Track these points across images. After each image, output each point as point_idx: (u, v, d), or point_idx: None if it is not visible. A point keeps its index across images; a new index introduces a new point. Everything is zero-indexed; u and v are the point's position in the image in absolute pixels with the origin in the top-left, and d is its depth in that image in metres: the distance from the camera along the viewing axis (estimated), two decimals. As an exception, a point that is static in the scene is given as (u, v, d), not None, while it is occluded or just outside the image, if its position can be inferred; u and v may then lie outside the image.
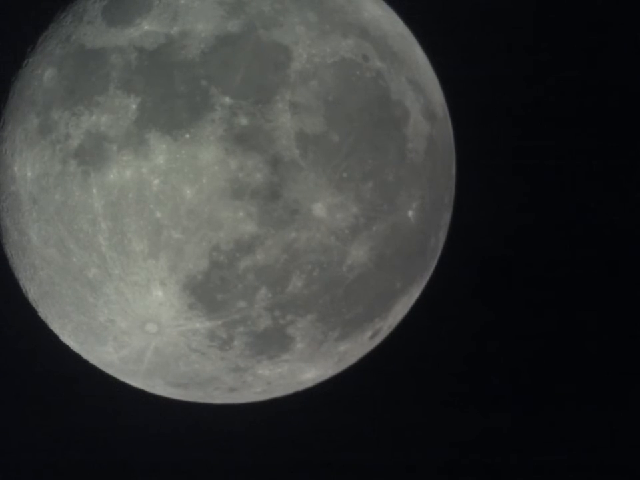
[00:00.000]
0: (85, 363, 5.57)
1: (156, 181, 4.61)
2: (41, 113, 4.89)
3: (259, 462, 7.58)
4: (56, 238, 4.87)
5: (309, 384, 5.64)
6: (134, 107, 4.65)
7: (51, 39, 5.05)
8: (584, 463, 7.74)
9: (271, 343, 5.00)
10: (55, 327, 5.42)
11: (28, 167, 4.91)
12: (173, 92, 4.63)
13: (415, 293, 5.54)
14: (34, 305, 5.42)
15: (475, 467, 7.79)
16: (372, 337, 5.43)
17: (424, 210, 5.11)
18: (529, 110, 7.35)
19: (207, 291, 4.76)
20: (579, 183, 7.50)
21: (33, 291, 5.30)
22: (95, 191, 4.69)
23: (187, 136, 4.59)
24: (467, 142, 5.77)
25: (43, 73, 4.97)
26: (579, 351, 7.70)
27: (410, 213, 5.02)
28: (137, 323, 4.94)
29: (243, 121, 4.61)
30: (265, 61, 4.68)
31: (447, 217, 5.51)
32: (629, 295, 7.61)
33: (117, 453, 7.52)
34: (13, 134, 5.03)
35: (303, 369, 5.29)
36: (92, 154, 4.69)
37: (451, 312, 7.44)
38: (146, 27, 4.76)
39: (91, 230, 4.74)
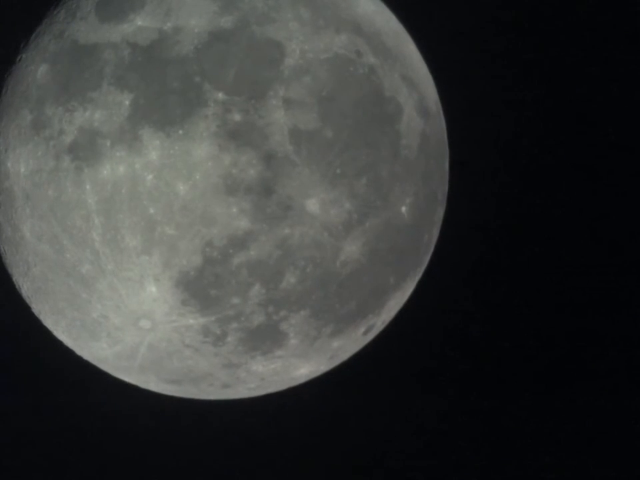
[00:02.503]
0: (79, 358, 5.57)
1: (149, 177, 4.61)
2: (35, 109, 4.88)
3: (252, 457, 7.59)
4: (49, 234, 4.86)
5: (303, 380, 5.65)
6: (127, 102, 4.64)
7: (45, 34, 5.04)
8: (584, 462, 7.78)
9: (265, 339, 5.00)
10: (49, 322, 5.42)
11: (21, 163, 4.90)
12: (166, 88, 4.62)
13: (408, 289, 5.54)
14: (27, 301, 5.41)
15: (471, 462, 7.81)
16: (365, 333, 5.44)
17: (417, 206, 5.11)
18: (522, 106, 7.36)
19: (201, 287, 4.76)
20: (573, 178, 7.52)
21: (26, 287, 5.30)
22: (88, 186, 4.68)
23: (180, 132, 4.59)
24: (460, 138, 5.78)
25: (37, 69, 4.96)
26: (574, 347, 7.72)
27: (403, 209, 5.03)
28: (130, 319, 4.94)
29: (237, 117, 4.61)
30: (259, 57, 4.68)
31: (440, 213, 5.52)
32: (624, 290, 7.63)
33: (110, 448, 7.53)
34: (6, 130, 5.03)
35: (296, 364, 5.29)
36: (85, 150, 4.68)
37: (444, 307, 7.45)
38: (139, 23, 4.76)
39: (85, 226, 4.74)
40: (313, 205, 4.70)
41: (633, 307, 7.63)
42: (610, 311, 7.66)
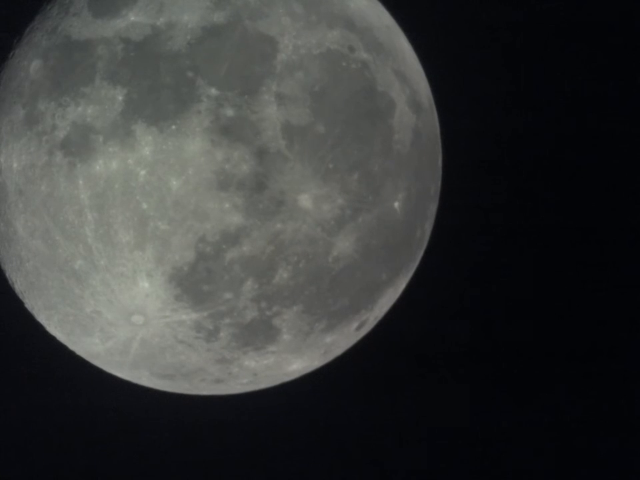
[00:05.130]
0: (71, 353, 5.57)
1: (142, 172, 4.61)
2: (27, 104, 4.88)
3: (245, 453, 7.59)
4: (42, 229, 4.86)
5: (295, 375, 5.65)
6: (120, 98, 4.64)
7: (37, 30, 5.04)
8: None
9: (257, 334, 5.00)
10: (42, 318, 5.42)
11: (14, 158, 4.90)
12: (159, 83, 4.62)
13: (400, 285, 5.55)
14: (20, 296, 5.41)
15: (466, 460, 7.82)
16: (358, 328, 5.44)
17: (410, 201, 5.12)
18: (515, 100, 7.37)
19: (193, 283, 4.76)
20: (568, 174, 7.53)
21: (19, 283, 5.30)
22: (81, 182, 4.68)
23: (173, 127, 4.59)
24: (452, 133, 5.78)
25: (29, 64, 4.96)
26: (568, 343, 7.74)
27: (396, 204, 5.03)
28: (123, 315, 4.94)
29: (229, 112, 4.61)
30: (251, 52, 4.68)
31: (432, 208, 5.52)
32: (622, 287, 7.65)
33: (103, 444, 7.53)
34: (-1, 125, 5.03)
35: (289, 360, 5.30)
36: (78, 145, 4.68)
37: (436, 303, 7.46)
38: (132, 18, 4.76)
39: (77, 221, 4.74)
40: (305, 200, 4.70)
41: (633, 305, 7.65)
42: (609, 308, 7.67)
